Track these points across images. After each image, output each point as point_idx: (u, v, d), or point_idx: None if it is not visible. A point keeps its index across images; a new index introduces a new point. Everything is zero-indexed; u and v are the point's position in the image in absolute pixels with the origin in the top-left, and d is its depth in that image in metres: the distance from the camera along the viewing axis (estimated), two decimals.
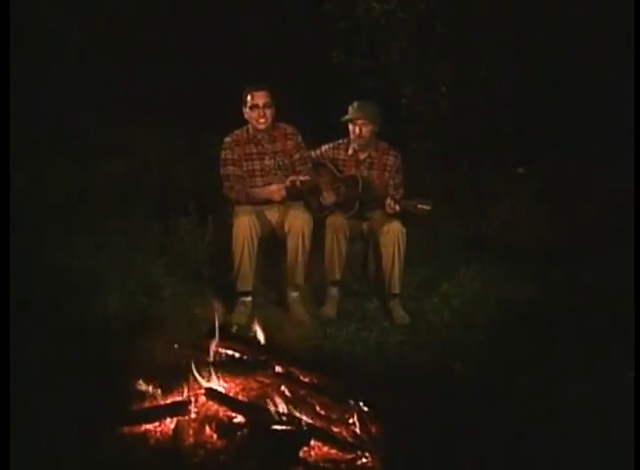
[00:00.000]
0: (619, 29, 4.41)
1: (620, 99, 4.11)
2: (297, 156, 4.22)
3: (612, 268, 4.42)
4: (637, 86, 4.34)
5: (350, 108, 4.34)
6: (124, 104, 6.62)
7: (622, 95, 4.16)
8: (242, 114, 4.17)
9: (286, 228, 4.00)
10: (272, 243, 4.14)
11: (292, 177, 4.06)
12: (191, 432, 2.50)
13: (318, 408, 2.64)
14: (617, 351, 3.35)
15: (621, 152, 4.75)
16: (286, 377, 2.81)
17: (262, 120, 4.11)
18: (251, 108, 4.10)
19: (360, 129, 4.28)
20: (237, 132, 4.23)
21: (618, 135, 4.54)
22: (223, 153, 4.18)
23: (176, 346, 3.03)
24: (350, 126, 4.33)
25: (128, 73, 6.99)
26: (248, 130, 4.21)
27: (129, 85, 6.88)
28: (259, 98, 4.09)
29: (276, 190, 4.07)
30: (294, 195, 4.13)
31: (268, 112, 4.11)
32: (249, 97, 4.10)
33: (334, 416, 2.62)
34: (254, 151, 4.19)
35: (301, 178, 4.05)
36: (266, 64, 6.72)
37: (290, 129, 4.28)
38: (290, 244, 4.00)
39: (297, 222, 3.98)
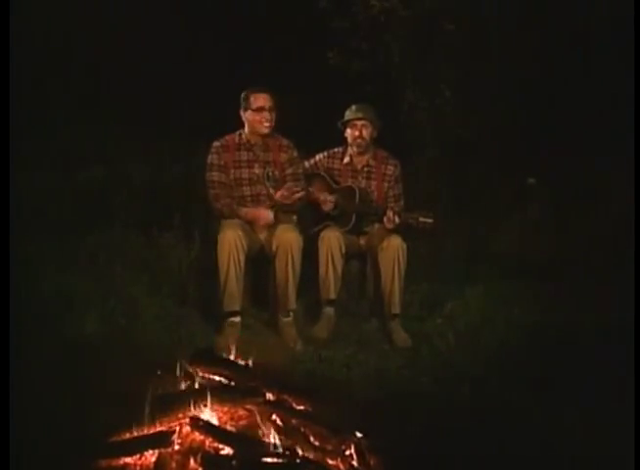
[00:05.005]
0: (629, 31, 4.48)
1: (636, 106, 4.15)
2: (289, 170, 4.24)
3: (630, 286, 4.44)
4: None
5: (348, 110, 4.39)
6: (104, 107, 6.63)
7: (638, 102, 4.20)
8: (231, 120, 4.19)
9: (274, 247, 4.01)
10: (262, 260, 4.15)
11: (283, 191, 4.10)
12: (174, 465, 2.49)
13: (312, 439, 2.64)
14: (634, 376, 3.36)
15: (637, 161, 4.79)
16: (277, 405, 2.82)
17: (267, 124, 4.14)
18: (256, 110, 4.13)
19: (360, 131, 4.33)
20: (227, 137, 4.25)
21: (635, 143, 4.57)
22: (210, 157, 4.21)
23: (159, 371, 3.03)
24: (349, 130, 4.37)
25: (110, 77, 7.01)
26: (240, 135, 4.24)
27: (110, 89, 6.90)
28: (265, 100, 4.13)
29: (263, 215, 4.09)
30: (286, 208, 4.16)
31: (272, 115, 4.15)
32: (252, 98, 4.13)
33: (329, 447, 2.62)
34: (244, 158, 4.21)
35: (297, 195, 4.08)
36: (256, 66, 6.74)
37: (285, 142, 4.31)
38: (278, 265, 4.00)
39: (285, 241, 3.98)
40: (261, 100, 4.13)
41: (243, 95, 4.18)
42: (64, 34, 6.72)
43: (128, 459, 2.54)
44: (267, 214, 4.09)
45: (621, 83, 5.44)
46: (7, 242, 2.95)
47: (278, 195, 4.11)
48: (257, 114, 4.13)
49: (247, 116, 4.18)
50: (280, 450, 2.54)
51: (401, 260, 4.13)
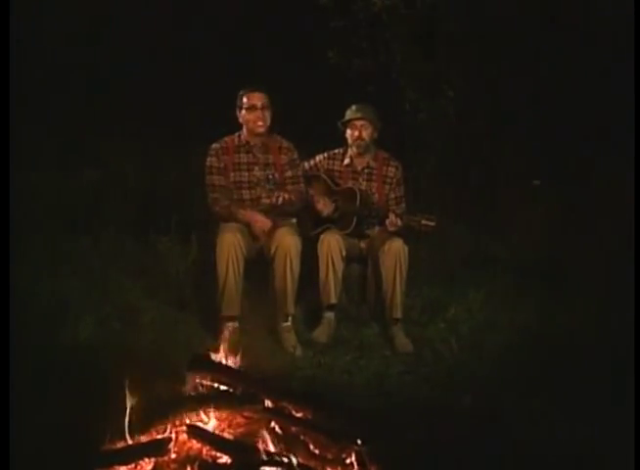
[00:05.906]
0: (629, 31, 4.50)
1: (637, 106, 4.15)
2: (289, 173, 4.25)
3: (630, 289, 4.42)
4: None
5: (348, 110, 4.39)
6: (103, 108, 6.62)
7: None
8: (230, 121, 4.20)
9: (272, 250, 4.00)
10: (261, 263, 4.14)
11: (276, 194, 4.11)
12: None
13: (312, 447, 2.63)
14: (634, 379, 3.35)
15: None
16: (276, 412, 2.80)
17: (260, 123, 4.14)
18: (247, 109, 4.14)
19: (360, 131, 4.32)
20: (226, 139, 4.26)
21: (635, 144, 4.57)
22: (209, 160, 4.20)
23: (155, 377, 3.02)
24: (349, 130, 4.37)
25: (109, 78, 7.02)
26: (239, 137, 4.24)
27: (109, 90, 6.90)
28: (257, 99, 4.13)
29: (261, 221, 4.06)
30: (285, 211, 4.15)
31: (267, 114, 4.15)
32: (245, 98, 4.15)
33: (329, 456, 2.61)
34: (244, 160, 4.21)
35: (284, 196, 4.09)
36: (256, 66, 6.75)
37: (286, 143, 4.31)
38: (276, 268, 4.00)
39: (284, 244, 3.97)
40: (254, 98, 4.13)
41: (239, 95, 4.19)
42: (63, 35, 6.74)
43: (124, 468, 2.53)
44: (265, 221, 4.07)
45: (623, 84, 5.44)
46: (7, 242, 2.93)
47: (274, 199, 4.11)
48: (250, 112, 4.13)
49: (241, 115, 4.19)
50: (279, 459, 2.53)
51: (403, 264, 4.12)
